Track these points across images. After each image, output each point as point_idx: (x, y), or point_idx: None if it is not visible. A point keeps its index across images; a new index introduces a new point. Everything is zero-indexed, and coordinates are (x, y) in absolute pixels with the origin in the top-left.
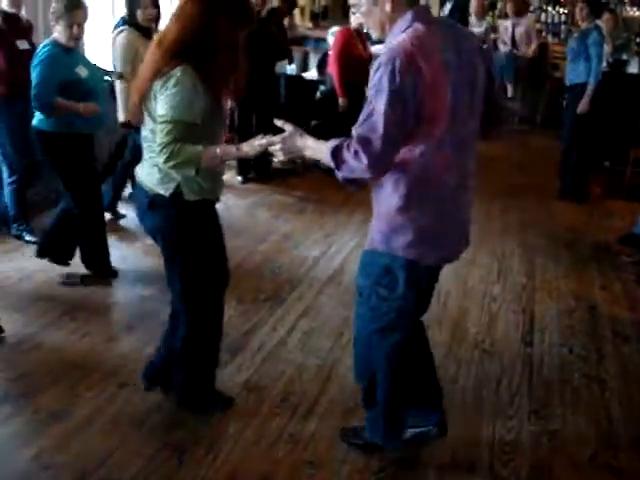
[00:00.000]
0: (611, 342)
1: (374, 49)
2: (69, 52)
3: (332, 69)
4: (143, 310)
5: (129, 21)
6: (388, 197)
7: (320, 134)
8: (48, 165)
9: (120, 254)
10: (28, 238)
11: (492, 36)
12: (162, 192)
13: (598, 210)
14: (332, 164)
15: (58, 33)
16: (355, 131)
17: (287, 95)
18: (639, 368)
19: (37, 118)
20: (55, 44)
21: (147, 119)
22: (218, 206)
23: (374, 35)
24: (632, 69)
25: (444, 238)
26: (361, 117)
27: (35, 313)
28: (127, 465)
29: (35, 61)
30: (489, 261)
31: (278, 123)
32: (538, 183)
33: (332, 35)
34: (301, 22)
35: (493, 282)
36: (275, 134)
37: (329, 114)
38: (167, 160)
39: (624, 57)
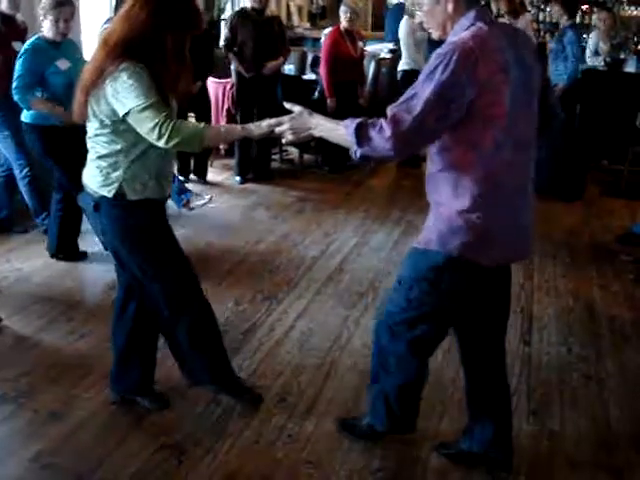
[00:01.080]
0: (610, 341)
1: (370, 49)
2: (55, 46)
3: (321, 69)
4: None
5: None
6: (450, 198)
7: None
8: (37, 156)
9: None
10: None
11: None
12: (105, 194)
13: (596, 209)
14: (353, 140)
15: (45, 28)
16: (390, 109)
17: (284, 95)
18: (638, 367)
19: (23, 112)
20: (40, 38)
21: (92, 119)
22: (217, 205)
23: (434, 35)
24: (630, 68)
25: (499, 240)
26: (401, 98)
27: (33, 313)
28: (126, 465)
29: (19, 53)
30: None
31: (287, 105)
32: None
33: (325, 36)
34: (299, 22)
35: None
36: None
37: (326, 114)
38: (169, 139)
39: (622, 56)
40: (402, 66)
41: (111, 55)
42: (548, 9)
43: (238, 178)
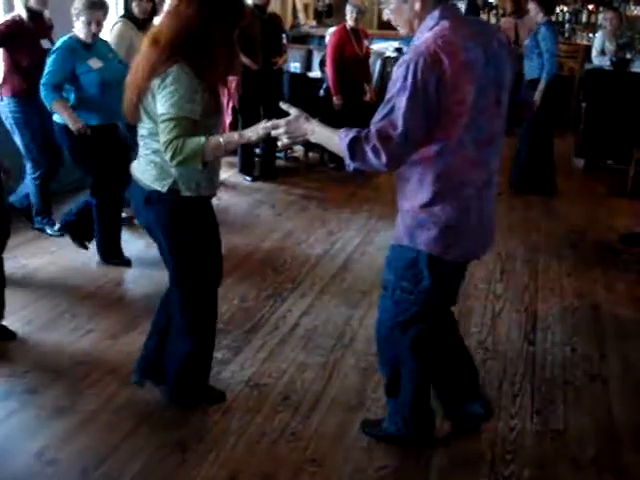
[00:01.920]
0: (614, 341)
1: (375, 47)
2: (86, 46)
3: (327, 68)
4: (146, 307)
5: (124, 13)
6: (413, 192)
7: None
8: (69, 157)
9: (128, 252)
10: (50, 232)
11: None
12: (159, 188)
13: (601, 209)
14: (346, 154)
15: (77, 29)
16: (374, 126)
17: (290, 93)
18: None
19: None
20: (72, 37)
21: (144, 117)
22: (220, 203)
23: (401, 32)
24: (636, 68)
25: (468, 235)
26: (380, 112)
27: (38, 310)
28: (130, 461)
29: (52, 50)
30: (492, 260)
31: (283, 106)
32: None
33: (329, 35)
34: (305, 20)
35: (496, 281)
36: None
37: (332, 112)
38: (172, 157)
39: (628, 56)
40: None
41: (163, 54)
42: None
43: (249, 178)
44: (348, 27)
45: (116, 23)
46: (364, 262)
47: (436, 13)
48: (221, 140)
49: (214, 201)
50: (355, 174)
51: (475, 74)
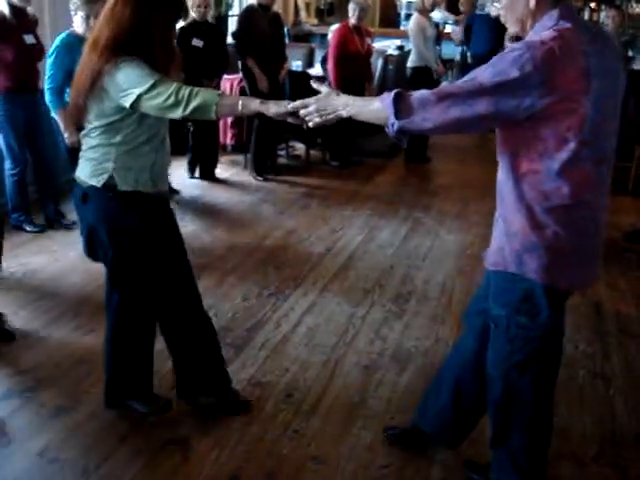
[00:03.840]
0: (616, 339)
1: (377, 45)
2: (85, 43)
3: (328, 65)
4: None
5: None
6: (515, 212)
7: (325, 130)
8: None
9: None
10: (29, 229)
11: None
12: (94, 183)
13: None
14: (390, 111)
15: (75, 24)
16: (442, 85)
17: (292, 91)
18: None
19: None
20: (71, 34)
21: (92, 119)
22: (224, 201)
23: (511, 29)
24: (638, 66)
25: (580, 262)
26: (460, 81)
27: (40, 308)
28: (132, 460)
29: (50, 51)
30: None
31: (314, 85)
32: None
33: (332, 33)
34: (307, 19)
35: None
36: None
37: None
38: (187, 103)
39: (630, 54)
40: (411, 63)
41: (103, 56)
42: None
43: (260, 178)
44: (351, 25)
45: None
46: (366, 260)
47: (555, 13)
48: (240, 100)
49: (217, 200)
50: (396, 140)
51: (593, 84)
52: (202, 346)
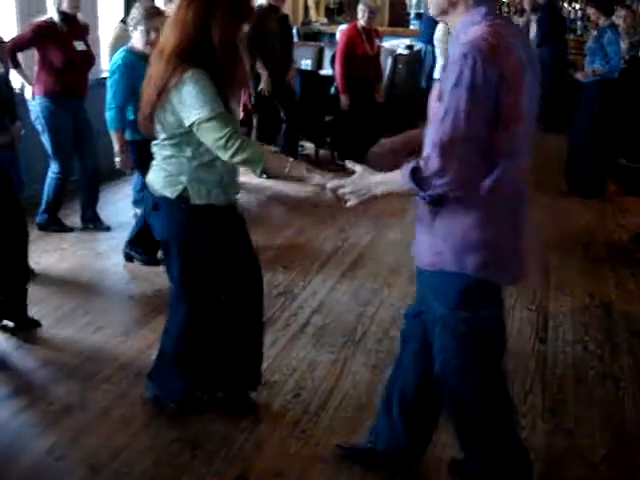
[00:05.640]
0: (625, 340)
1: (387, 45)
2: (145, 59)
3: (336, 66)
4: (158, 304)
5: (123, 18)
6: (456, 211)
7: (334, 129)
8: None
9: None
10: (55, 228)
11: None
12: (168, 194)
13: (613, 207)
14: (414, 188)
15: (135, 39)
16: (431, 138)
17: (302, 91)
18: None
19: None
20: (130, 50)
21: (159, 130)
22: None
23: (431, 12)
24: None
25: (517, 257)
26: (436, 118)
27: (49, 306)
28: (140, 458)
29: (110, 69)
30: None
31: (348, 165)
32: (553, 181)
33: (340, 32)
34: (316, 18)
35: None
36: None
37: (343, 110)
38: (235, 154)
39: None
40: (439, 74)
41: (170, 64)
42: (567, 6)
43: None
44: (359, 26)
45: (115, 28)
46: (375, 259)
47: (483, 9)
48: (288, 164)
49: None
50: (437, 205)
51: (526, 76)
52: (253, 348)
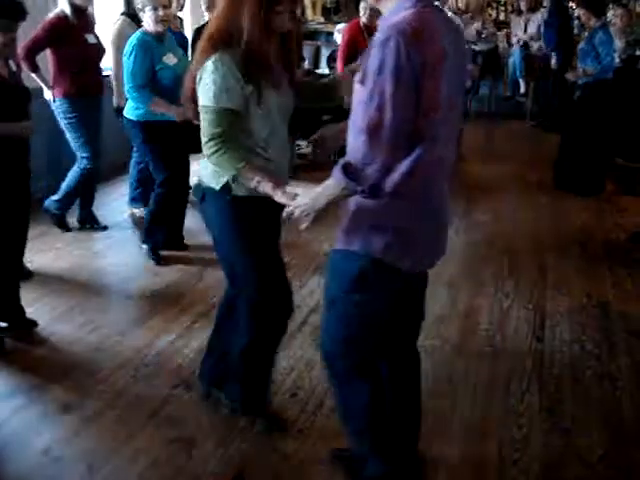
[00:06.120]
0: (623, 340)
1: None
2: (159, 40)
3: (338, 63)
4: (154, 303)
5: (124, 11)
6: (387, 200)
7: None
8: (143, 152)
9: (132, 249)
10: (54, 222)
11: (505, 31)
12: (213, 186)
13: (611, 207)
14: (350, 184)
15: (145, 22)
16: (357, 125)
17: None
18: None
19: (128, 107)
20: (144, 32)
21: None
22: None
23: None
24: None
25: (426, 242)
26: (360, 106)
27: (45, 306)
28: (137, 458)
29: (127, 50)
30: (501, 257)
31: (290, 190)
32: (551, 180)
33: (339, 32)
34: (313, 17)
35: (505, 278)
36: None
37: (341, 109)
38: (211, 155)
39: (637, 53)
40: None
41: (203, 48)
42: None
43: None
44: (361, 23)
45: (117, 20)
46: None
47: None
48: (257, 179)
49: None
50: (378, 196)
51: (447, 65)
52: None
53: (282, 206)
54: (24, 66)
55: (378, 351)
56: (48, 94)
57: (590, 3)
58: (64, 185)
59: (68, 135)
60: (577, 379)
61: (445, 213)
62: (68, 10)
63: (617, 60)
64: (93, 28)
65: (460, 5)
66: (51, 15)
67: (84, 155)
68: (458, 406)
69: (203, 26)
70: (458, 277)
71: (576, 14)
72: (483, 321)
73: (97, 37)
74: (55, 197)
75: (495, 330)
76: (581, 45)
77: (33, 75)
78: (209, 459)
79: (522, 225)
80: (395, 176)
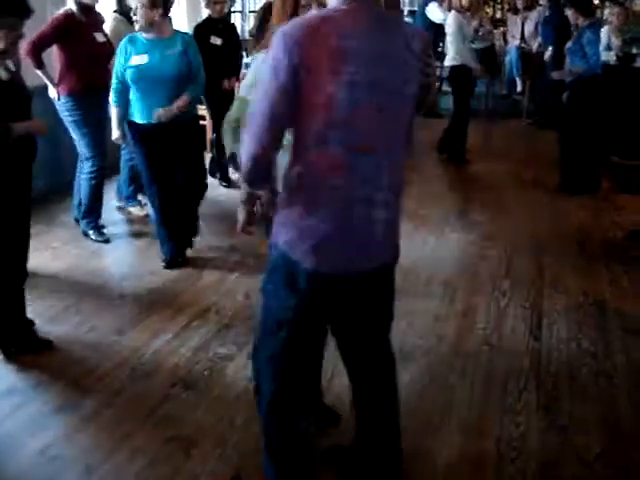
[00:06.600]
0: (619, 338)
1: None
2: (148, 40)
3: None
4: (150, 303)
5: (117, 9)
6: (286, 196)
7: None
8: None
9: (129, 248)
10: (94, 237)
11: (501, 30)
12: None
13: (608, 205)
14: (244, 182)
15: (135, 23)
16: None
17: None
18: None
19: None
20: (136, 33)
21: None
22: (224, 199)
23: None
24: None
25: (331, 245)
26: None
27: (41, 306)
28: (134, 458)
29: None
30: (497, 256)
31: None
32: (547, 178)
33: None
34: None
35: (501, 277)
36: None
37: None
38: (223, 133)
39: (634, 51)
40: (450, 62)
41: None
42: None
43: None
44: None
45: (111, 20)
46: None
47: None
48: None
49: (219, 198)
50: (252, 187)
51: (347, 67)
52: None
53: None
54: (30, 62)
55: (292, 358)
56: (53, 92)
57: (578, 2)
58: (82, 200)
59: (73, 134)
60: (574, 377)
61: (363, 219)
62: (75, 8)
63: (614, 58)
64: (101, 27)
65: (464, 3)
66: (60, 12)
67: (89, 155)
68: (455, 405)
69: (203, 23)
70: (455, 276)
71: (565, 13)
72: (480, 320)
73: (106, 35)
74: (80, 215)
75: (492, 329)
76: (569, 45)
77: (38, 72)
78: (207, 458)
79: (519, 224)
80: (242, 167)
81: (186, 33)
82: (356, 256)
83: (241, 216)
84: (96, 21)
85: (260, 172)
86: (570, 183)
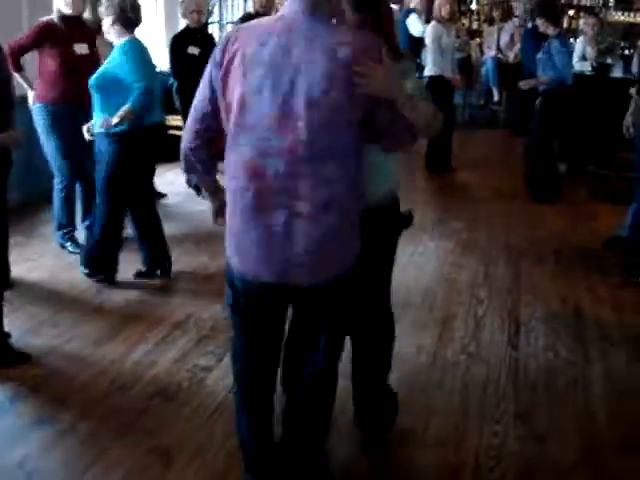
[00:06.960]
0: (597, 346)
1: None
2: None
3: None
4: (128, 315)
5: None
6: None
7: None
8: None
9: None
10: (71, 249)
11: (477, 41)
12: None
13: (583, 213)
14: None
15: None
16: None
17: None
18: (624, 372)
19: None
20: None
21: None
22: (202, 207)
23: None
24: (616, 73)
25: (250, 246)
26: None
27: (19, 318)
28: (112, 470)
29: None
30: (475, 264)
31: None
32: (525, 187)
33: None
34: None
35: (479, 285)
36: None
37: None
38: None
39: (609, 61)
40: (428, 72)
41: None
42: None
43: None
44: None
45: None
46: None
47: (294, 4)
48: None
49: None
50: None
51: (254, 72)
52: None
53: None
54: (9, 64)
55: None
56: (31, 98)
57: (548, 12)
58: (55, 212)
59: (44, 144)
60: (552, 386)
61: (281, 227)
62: (56, 17)
63: (589, 68)
64: (90, 38)
65: (444, 13)
66: (42, 19)
67: (55, 167)
68: (433, 414)
69: (181, 33)
70: (433, 285)
71: (536, 23)
72: (458, 328)
73: (92, 47)
74: (55, 227)
75: (470, 337)
76: (539, 55)
77: (16, 75)
78: (186, 469)
79: (496, 232)
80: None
81: None
82: (279, 267)
83: (212, 207)
84: (81, 33)
85: (188, 164)
86: (535, 191)
